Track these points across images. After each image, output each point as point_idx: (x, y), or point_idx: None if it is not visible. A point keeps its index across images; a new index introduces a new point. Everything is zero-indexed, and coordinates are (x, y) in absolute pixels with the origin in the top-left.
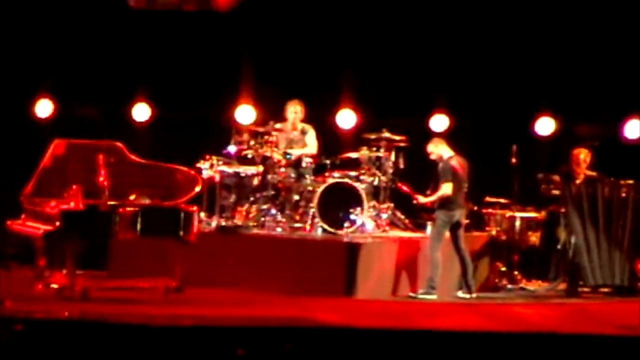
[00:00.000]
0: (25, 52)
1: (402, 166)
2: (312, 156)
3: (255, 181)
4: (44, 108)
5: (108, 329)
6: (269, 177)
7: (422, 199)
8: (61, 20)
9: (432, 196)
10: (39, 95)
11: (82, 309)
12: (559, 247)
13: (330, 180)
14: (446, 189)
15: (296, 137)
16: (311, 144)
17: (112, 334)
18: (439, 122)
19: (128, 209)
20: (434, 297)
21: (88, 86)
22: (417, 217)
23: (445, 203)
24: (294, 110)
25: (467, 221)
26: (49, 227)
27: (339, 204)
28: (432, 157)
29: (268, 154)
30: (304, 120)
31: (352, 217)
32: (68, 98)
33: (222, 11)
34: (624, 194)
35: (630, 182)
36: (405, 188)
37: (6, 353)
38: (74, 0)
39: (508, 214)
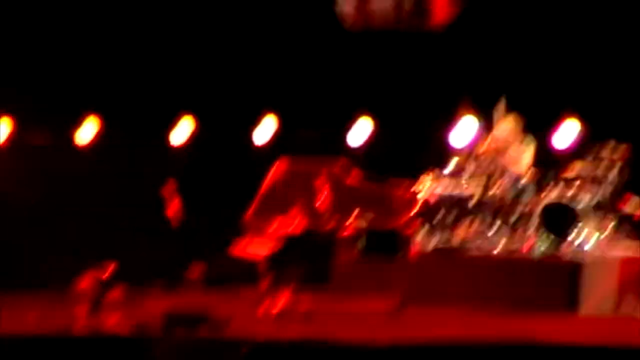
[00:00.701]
0: (249, 77)
1: (624, 180)
2: (529, 174)
3: (474, 200)
4: (265, 131)
5: (332, 350)
6: (488, 196)
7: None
8: (283, 44)
9: None
10: (260, 119)
11: (305, 330)
12: None
13: (549, 199)
14: None
15: (512, 154)
16: (526, 162)
17: (336, 355)
18: None
19: (349, 230)
20: None
21: (308, 109)
22: None
23: None
24: (507, 126)
25: None
26: (272, 250)
27: (559, 222)
28: None
29: (486, 172)
30: (522, 134)
31: (572, 235)
32: (289, 121)
33: (437, 29)
34: None
35: None
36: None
37: None
38: (299, 24)
39: None
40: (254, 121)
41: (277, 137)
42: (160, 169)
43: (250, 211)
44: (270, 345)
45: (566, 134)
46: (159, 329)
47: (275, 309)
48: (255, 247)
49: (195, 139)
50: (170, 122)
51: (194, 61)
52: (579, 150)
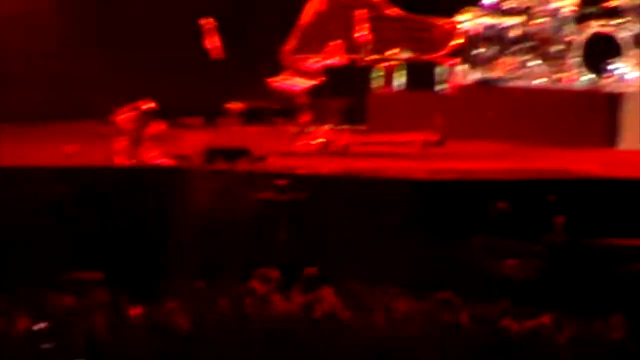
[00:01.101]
0: None
1: None
2: (570, 5)
3: (516, 32)
4: None
5: (370, 183)
6: (530, 28)
7: None
8: None
9: None
10: None
11: (344, 164)
12: None
13: (591, 30)
14: None
15: None
16: None
17: (375, 188)
18: None
19: (388, 63)
20: None
21: None
22: None
23: None
24: None
25: None
26: (312, 83)
27: (601, 53)
28: None
29: (528, 4)
30: None
31: (615, 66)
32: None
33: None
34: None
35: None
36: None
37: (271, 207)
38: None
39: None
40: None
41: None
42: (201, 3)
43: (289, 45)
44: (309, 179)
45: None
46: (200, 161)
47: (314, 143)
48: (295, 82)
49: None
50: None
51: None
52: None
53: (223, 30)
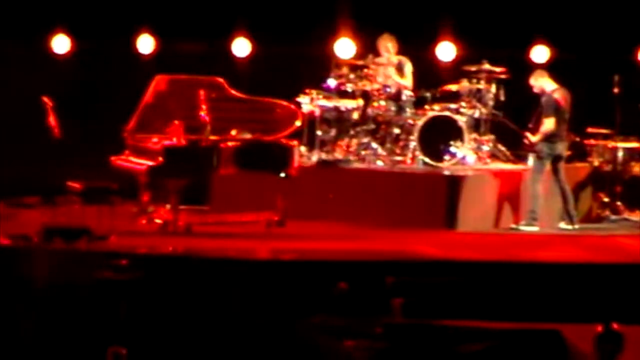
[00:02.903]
0: None
1: (502, 98)
2: (409, 89)
3: (355, 115)
4: (145, 44)
5: (211, 263)
6: (369, 110)
7: (532, 138)
8: None
9: (538, 133)
10: (140, 31)
11: (185, 244)
12: None
13: (430, 113)
14: (549, 124)
15: (393, 70)
16: (408, 76)
17: (215, 268)
18: (540, 53)
19: (229, 144)
20: (535, 228)
21: (189, 21)
22: (518, 149)
23: (548, 136)
24: (386, 47)
25: (568, 153)
26: (152, 163)
27: (439, 137)
28: (535, 90)
29: (368, 87)
30: (399, 53)
31: (452, 150)
32: (169, 33)
33: None
34: None
35: None
36: (513, 126)
37: (111, 287)
38: None
39: (610, 144)
40: (134, 34)
41: (158, 51)
42: (39, 79)
43: (130, 125)
44: (150, 259)
45: (444, 53)
46: (37, 240)
47: (155, 223)
48: (136, 161)
49: (74, 50)
50: (48, 33)
51: None
52: (457, 69)
53: (65, 108)
